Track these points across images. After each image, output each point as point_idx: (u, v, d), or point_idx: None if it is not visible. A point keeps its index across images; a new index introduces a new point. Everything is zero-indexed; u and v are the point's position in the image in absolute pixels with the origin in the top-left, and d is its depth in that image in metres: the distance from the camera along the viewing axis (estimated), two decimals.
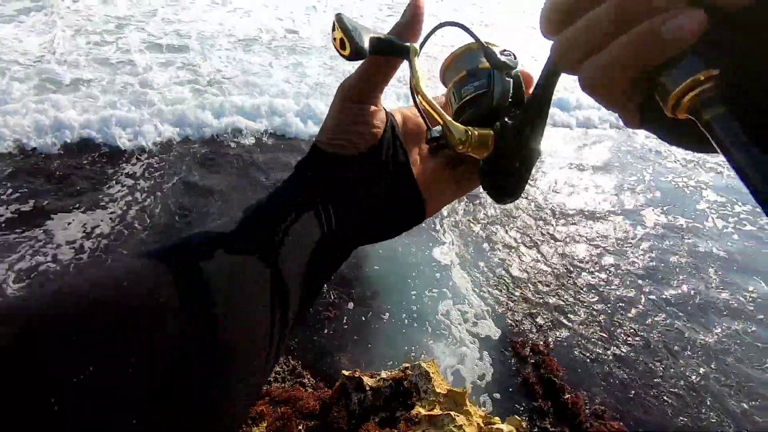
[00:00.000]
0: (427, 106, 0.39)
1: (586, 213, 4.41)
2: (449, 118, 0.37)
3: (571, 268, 3.78)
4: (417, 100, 0.40)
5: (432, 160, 0.45)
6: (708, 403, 2.93)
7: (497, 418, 1.80)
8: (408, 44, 0.39)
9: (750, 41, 0.20)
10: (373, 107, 0.41)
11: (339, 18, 0.37)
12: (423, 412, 1.72)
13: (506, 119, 0.37)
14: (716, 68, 0.21)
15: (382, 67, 0.39)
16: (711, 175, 5.11)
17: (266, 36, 6.54)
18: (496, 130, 0.37)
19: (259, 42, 6.35)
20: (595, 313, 3.42)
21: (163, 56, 5.53)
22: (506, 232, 4.01)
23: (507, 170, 0.38)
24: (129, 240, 3.25)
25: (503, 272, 3.62)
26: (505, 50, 0.39)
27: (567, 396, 2.74)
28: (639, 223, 4.37)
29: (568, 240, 4.06)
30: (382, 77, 0.40)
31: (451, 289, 3.35)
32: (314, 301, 0.39)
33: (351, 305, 3.08)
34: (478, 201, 4.19)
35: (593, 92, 0.25)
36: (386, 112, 0.43)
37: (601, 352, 3.13)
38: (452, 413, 1.66)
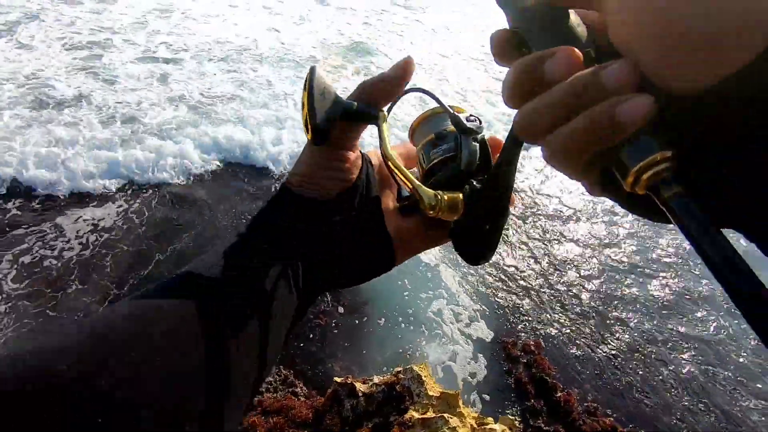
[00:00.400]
0: (397, 172, 0.39)
1: (572, 211, 4.47)
2: (418, 183, 0.38)
3: (560, 267, 3.82)
4: (388, 164, 0.40)
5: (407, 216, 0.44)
6: (698, 396, 2.98)
7: (490, 419, 1.80)
8: (377, 111, 0.40)
9: (701, 125, 0.22)
10: (348, 153, 0.40)
11: (310, 77, 0.36)
12: (416, 415, 1.71)
13: (475, 183, 0.38)
14: (670, 149, 0.22)
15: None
16: None
17: (257, 49, 6.52)
18: (465, 193, 0.38)
19: (250, 54, 6.33)
20: (584, 311, 3.47)
21: (154, 70, 5.48)
22: None
23: (478, 233, 0.39)
24: (126, 236, 3.34)
25: (493, 272, 3.65)
26: (471, 116, 0.40)
27: (559, 394, 2.76)
28: (624, 219, 4.45)
29: (555, 239, 4.11)
30: (357, 128, 0.40)
31: (443, 290, 3.36)
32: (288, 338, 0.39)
33: (341, 310, 3.07)
34: None
35: (556, 164, 0.26)
36: (362, 156, 0.42)
37: (591, 349, 3.17)
38: (445, 415, 1.66)
